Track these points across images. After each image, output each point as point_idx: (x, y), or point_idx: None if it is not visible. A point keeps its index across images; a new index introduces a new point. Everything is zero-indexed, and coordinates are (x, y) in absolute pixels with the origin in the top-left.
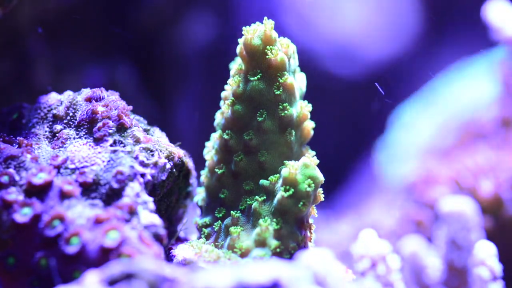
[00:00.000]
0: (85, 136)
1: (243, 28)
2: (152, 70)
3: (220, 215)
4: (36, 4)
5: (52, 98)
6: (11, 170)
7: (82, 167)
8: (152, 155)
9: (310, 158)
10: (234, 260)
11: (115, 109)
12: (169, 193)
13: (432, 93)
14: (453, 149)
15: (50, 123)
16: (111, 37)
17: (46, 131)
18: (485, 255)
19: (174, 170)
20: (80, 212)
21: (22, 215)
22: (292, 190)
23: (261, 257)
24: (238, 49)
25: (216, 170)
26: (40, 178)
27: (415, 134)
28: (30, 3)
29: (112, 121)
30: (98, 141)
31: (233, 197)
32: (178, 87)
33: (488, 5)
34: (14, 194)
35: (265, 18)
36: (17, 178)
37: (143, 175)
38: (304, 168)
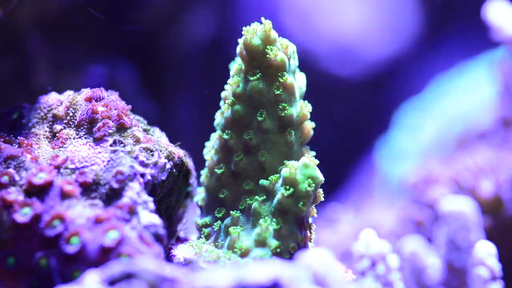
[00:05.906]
0: (85, 136)
1: (243, 28)
2: (152, 69)
3: (220, 215)
4: (36, 4)
5: (52, 98)
6: (11, 170)
7: (82, 167)
8: (152, 155)
9: (310, 158)
10: (234, 260)
11: (115, 109)
12: (169, 193)
13: (432, 93)
14: (453, 149)
15: (50, 123)
16: (111, 37)
17: (46, 131)
18: (485, 255)
19: (174, 170)
20: (80, 212)
21: (22, 215)
22: (292, 190)
23: (261, 257)
24: (238, 49)
25: (216, 170)
26: (40, 178)
27: (415, 134)
28: (30, 3)
29: (112, 121)
30: (98, 141)
31: (233, 197)
32: (178, 87)
33: (488, 5)
34: (14, 194)
35: (263, 18)
36: (17, 178)
37: (143, 175)
38: (304, 168)
